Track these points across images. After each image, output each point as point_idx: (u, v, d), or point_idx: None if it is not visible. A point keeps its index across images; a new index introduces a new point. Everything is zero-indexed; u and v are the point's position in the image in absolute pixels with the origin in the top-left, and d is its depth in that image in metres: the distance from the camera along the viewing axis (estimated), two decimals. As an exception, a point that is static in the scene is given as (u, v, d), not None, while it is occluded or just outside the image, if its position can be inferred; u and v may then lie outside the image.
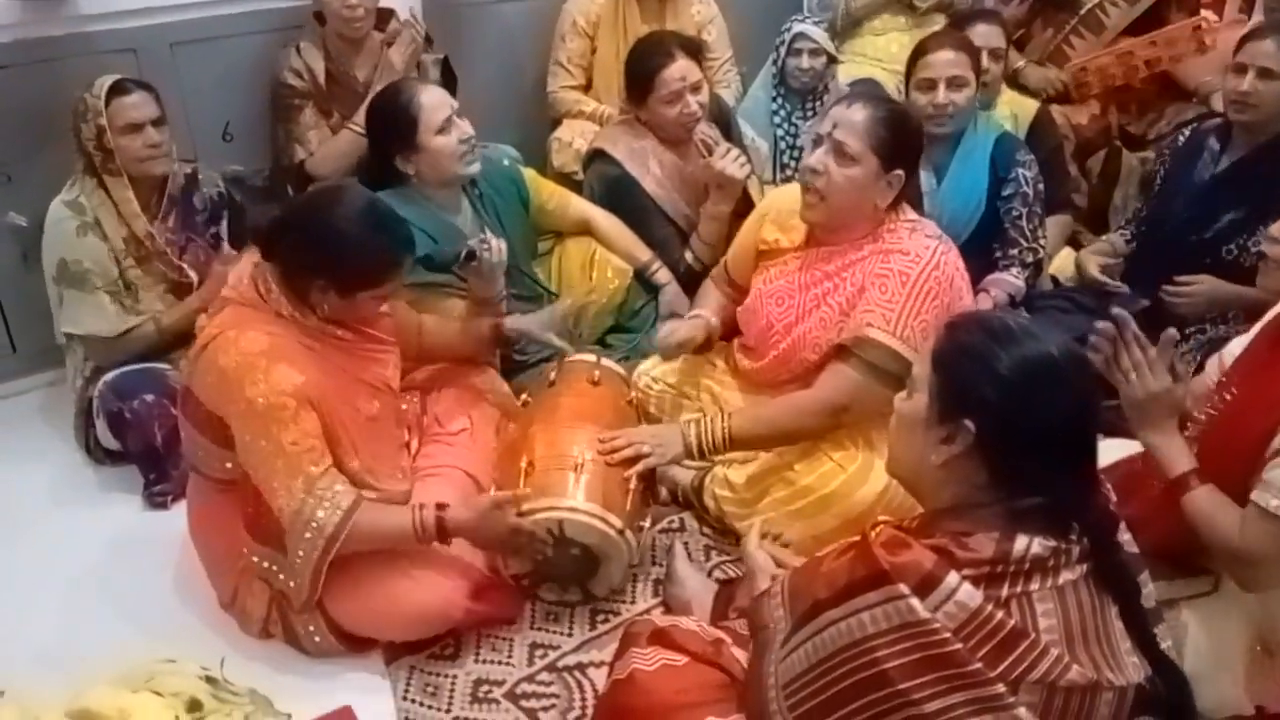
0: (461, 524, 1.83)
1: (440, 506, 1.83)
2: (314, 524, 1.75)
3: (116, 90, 2.33)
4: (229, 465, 1.85)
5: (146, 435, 2.32)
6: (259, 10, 2.91)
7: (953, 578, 1.17)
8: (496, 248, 2.18)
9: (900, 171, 2.02)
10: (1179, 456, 1.65)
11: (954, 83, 2.56)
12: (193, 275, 2.48)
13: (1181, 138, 2.69)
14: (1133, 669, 1.25)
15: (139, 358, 2.43)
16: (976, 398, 1.24)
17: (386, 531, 1.82)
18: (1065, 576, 1.22)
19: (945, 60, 2.57)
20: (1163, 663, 1.29)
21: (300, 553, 1.77)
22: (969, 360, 1.26)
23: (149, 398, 2.33)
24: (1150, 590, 1.33)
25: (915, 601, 1.17)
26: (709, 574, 2.12)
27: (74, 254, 2.35)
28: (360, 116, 2.73)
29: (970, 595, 1.17)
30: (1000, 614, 1.18)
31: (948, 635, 1.17)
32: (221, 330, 1.80)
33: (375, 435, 1.93)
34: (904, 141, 2.03)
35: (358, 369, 1.93)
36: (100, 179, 2.36)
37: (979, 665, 1.17)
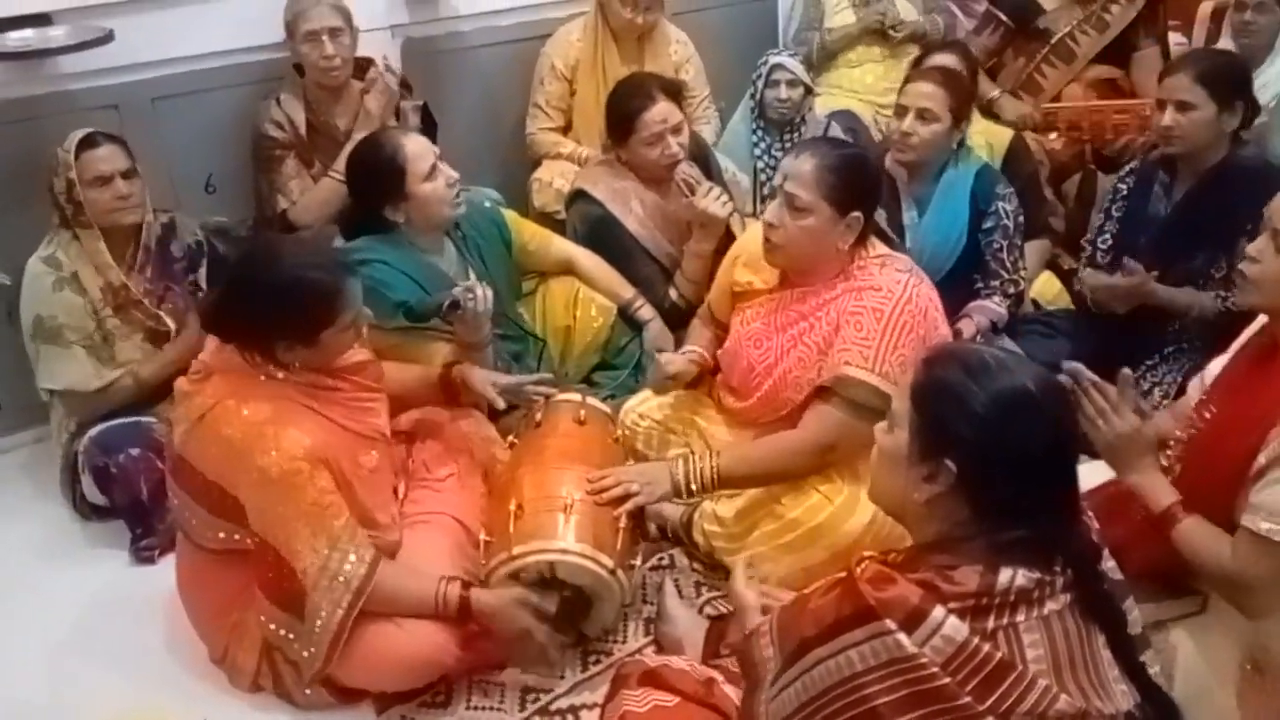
0: (484, 607, 1.81)
1: (466, 586, 1.80)
2: (340, 578, 1.74)
3: (86, 144, 2.35)
4: (221, 535, 1.85)
5: (132, 490, 2.32)
6: (239, 64, 2.94)
7: (939, 611, 1.17)
8: (482, 296, 2.19)
9: (858, 213, 2.03)
10: (1161, 493, 1.66)
11: (922, 114, 2.59)
12: (171, 324, 2.48)
13: (1132, 173, 2.71)
14: (1121, 697, 1.25)
15: (120, 410, 2.42)
16: (956, 437, 1.24)
17: (407, 596, 1.81)
18: (1050, 606, 1.22)
19: (919, 91, 2.61)
20: (1151, 690, 1.29)
21: (324, 611, 1.75)
22: (947, 399, 1.26)
23: (134, 452, 2.32)
24: (1136, 616, 1.33)
25: (903, 637, 1.17)
26: (700, 610, 2.12)
27: (49, 309, 2.36)
28: (341, 164, 2.76)
29: (957, 629, 1.17)
30: (987, 646, 1.18)
31: (936, 670, 1.17)
32: (219, 400, 1.79)
33: (374, 487, 1.93)
34: (856, 184, 2.04)
35: (355, 422, 1.92)
36: (74, 232, 2.38)
37: (968, 699, 1.17)
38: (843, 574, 1.27)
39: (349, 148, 2.70)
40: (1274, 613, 1.61)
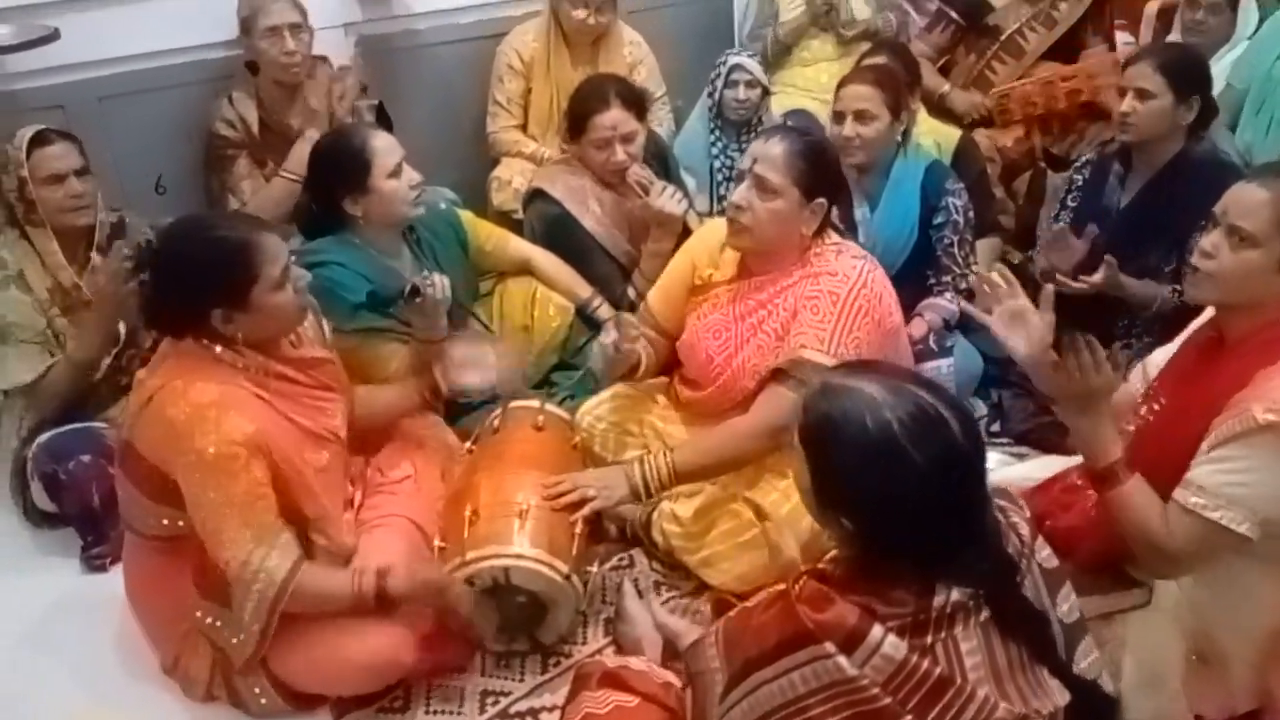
0: (403, 592, 1.80)
1: (381, 574, 1.80)
2: (264, 573, 1.73)
3: (38, 141, 2.31)
4: (165, 522, 1.83)
5: (83, 497, 2.27)
6: (188, 62, 2.90)
7: (877, 631, 1.19)
8: (440, 284, 2.19)
9: (822, 200, 2.07)
10: (1109, 443, 1.64)
11: (861, 116, 2.61)
12: (120, 325, 2.42)
13: (1088, 165, 2.75)
14: (1058, 692, 1.28)
15: (74, 406, 2.38)
16: (842, 499, 1.26)
17: (328, 594, 1.80)
18: (986, 614, 1.24)
19: (854, 94, 2.63)
20: (1080, 685, 1.31)
21: (250, 604, 1.74)
22: (824, 460, 1.27)
23: (85, 459, 2.28)
24: (1071, 604, 1.35)
25: (843, 660, 1.20)
26: (659, 610, 2.12)
27: None
28: (293, 164, 2.72)
29: (895, 647, 1.19)
30: (926, 663, 1.20)
31: (876, 691, 1.19)
32: (167, 382, 1.77)
33: (323, 487, 1.91)
34: (823, 171, 2.09)
35: (306, 418, 1.91)
36: (23, 230, 2.34)
37: (910, 717, 1.19)
38: (781, 589, 1.29)
39: (304, 145, 2.67)
40: (1186, 573, 1.65)
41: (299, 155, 2.69)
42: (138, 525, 1.89)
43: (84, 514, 2.31)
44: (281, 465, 1.79)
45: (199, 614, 1.83)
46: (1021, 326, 1.76)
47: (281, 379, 1.88)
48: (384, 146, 2.38)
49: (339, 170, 2.38)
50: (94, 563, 2.31)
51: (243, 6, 2.79)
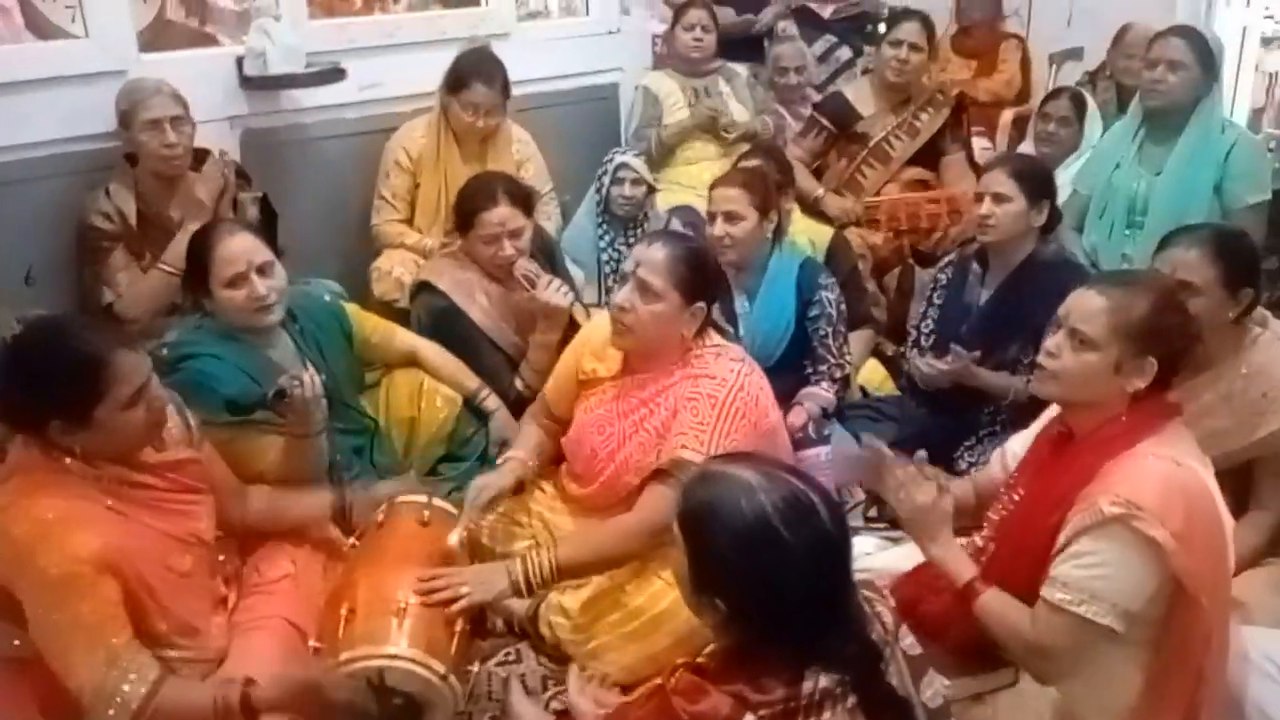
0: (270, 701, 1.72)
1: (248, 682, 1.73)
2: (118, 699, 1.63)
3: None
4: (16, 643, 1.73)
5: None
6: (64, 154, 2.85)
7: (749, 719, 1.22)
8: (309, 383, 2.15)
9: (702, 304, 2.15)
10: (960, 565, 1.79)
11: (730, 217, 2.76)
12: None
13: (950, 264, 2.94)
14: None
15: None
16: (716, 580, 1.31)
17: (191, 711, 1.71)
18: (853, 700, 1.29)
19: (722, 196, 2.79)
20: None
21: None
22: (700, 540, 1.32)
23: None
24: (937, 688, 1.40)
25: None
26: (546, 705, 2.10)
27: None
28: (171, 257, 2.68)
29: None
30: None
31: None
32: (14, 498, 1.69)
33: (188, 593, 1.83)
34: (703, 276, 2.17)
35: (168, 524, 1.83)
36: None
37: None
38: (658, 682, 1.31)
39: (184, 237, 2.64)
40: (1065, 678, 1.73)
41: (177, 248, 2.65)
42: None
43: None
44: (136, 579, 1.71)
45: None
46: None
47: (139, 487, 1.81)
48: (227, 255, 2.27)
49: (189, 265, 2.36)
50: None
51: (122, 100, 2.77)
